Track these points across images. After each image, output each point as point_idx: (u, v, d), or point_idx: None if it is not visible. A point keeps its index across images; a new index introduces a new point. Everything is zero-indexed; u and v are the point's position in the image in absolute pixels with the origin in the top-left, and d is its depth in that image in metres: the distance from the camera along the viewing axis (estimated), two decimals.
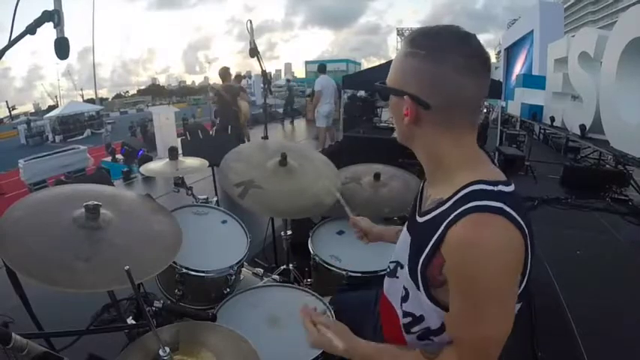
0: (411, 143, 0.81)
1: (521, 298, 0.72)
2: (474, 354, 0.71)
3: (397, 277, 0.89)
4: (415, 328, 0.84)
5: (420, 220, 0.80)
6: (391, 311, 0.93)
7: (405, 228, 0.92)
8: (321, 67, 7.26)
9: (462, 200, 0.69)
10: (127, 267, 0.77)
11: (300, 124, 13.50)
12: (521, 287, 0.70)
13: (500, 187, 0.69)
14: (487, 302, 0.66)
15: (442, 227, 0.69)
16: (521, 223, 0.66)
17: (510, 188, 0.71)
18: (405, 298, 0.85)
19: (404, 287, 0.85)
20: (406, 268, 0.81)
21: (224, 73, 5.92)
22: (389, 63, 0.82)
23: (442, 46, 0.70)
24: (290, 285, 1.49)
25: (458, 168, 0.75)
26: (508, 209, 0.65)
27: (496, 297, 0.66)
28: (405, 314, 0.86)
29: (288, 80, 12.22)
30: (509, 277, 0.66)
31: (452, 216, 0.68)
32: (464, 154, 0.75)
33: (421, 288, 0.76)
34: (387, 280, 0.99)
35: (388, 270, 0.97)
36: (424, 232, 0.74)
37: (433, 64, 0.70)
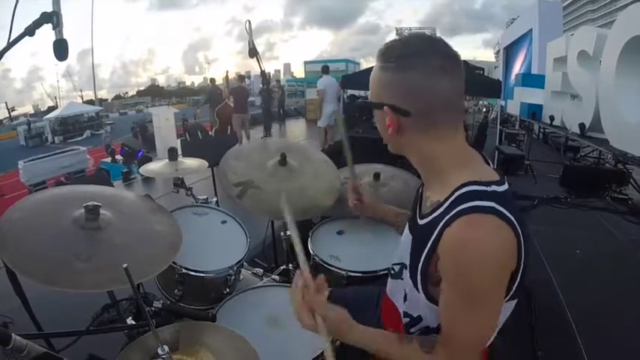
0: (401, 151, 0.83)
1: (518, 294, 0.74)
2: (460, 349, 0.73)
3: (402, 279, 0.90)
4: (414, 329, 0.85)
5: (420, 222, 0.82)
6: (394, 312, 0.94)
7: (406, 229, 0.93)
8: (324, 67, 7.21)
9: (455, 202, 0.71)
10: (125, 264, 0.77)
11: (300, 124, 13.50)
12: (516, 283, 0.71)
13: (494, 187, 0.71)
14: (476, 301, 0.68)
15: (438, 229, 0.71)
16: (514, 221, 0.67)
17: (503, 188, 0.72)
18: (405, 299, 0.87)
19: (404, 288, 0.86)
20: (408, 267, 0.82)
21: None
22: None
23: (410, 54, 0.73)
24: (290, 285, 1.49)
25: (450, 169, 0.76)
26: (500, 208, 0.67)
27: (485, 295, 0.68)
28: (405, 314, 0.87)
29: (277, 81, 12.42)
30: (499, 276, 0.68)
31: (446, 218, 0.70)
32: (453, 155, 0.77)
33: (420, 288, 0.77)
34: (390, 281, 1.00)
35: (393, 272, 0.98)
36: (424, 233, 0.76)
37: (404, 73, 0.73)
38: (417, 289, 0.78)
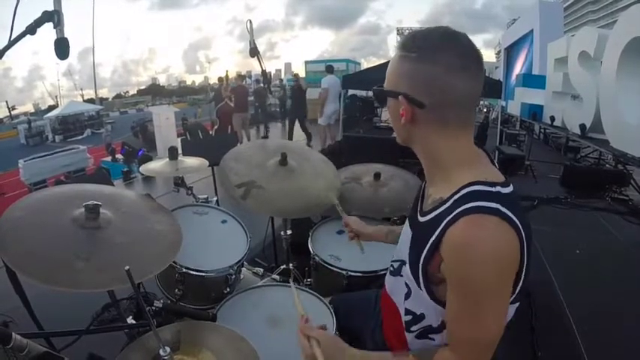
0: (410, 143, 0.83)
1: (520, 297, 0.73)
2: (467, 354, 0.72)
3: (401, 275, 0.90)
4: (415, 327, 0.84)
5: (421, 219, 0.82)
6: (393, 310, 0.94)
7: (406, 226, 0.92)
8: (329, 67, 7.31)
9: (460, 201, 0.70)
10: (127, 267, 0.78)
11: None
12: (519, 286, 0.71)
13: (499, 189, 0.70)
14: (481, 302, 0.67)
15: (440, 227, 0.70)
16: (518, 223, 0.67)
17: (508, 189, 0.72)
18: (407, 296, 0.86)
19: (406, 284, 0.85)
20: (408, 264, 0.82)
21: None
22: (389, 62, 0.83)
23: (432, 46, 0.72)
24: (290, 285, 1.49)
25: (455, 167, 0.76)
26: (504, 210, 0.66)
27: (490, 297, 0.67)
28: (407, 312, 0.87)
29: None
30: (503, 277, 0.67)
31: (450, 217, 0.69)
32: (461, 153, 0.77)
33: (422, 285, 0.77)
34: (390, 278, 1.00)
35: (392, 269, 0.98)
36: (425, 231, 0.76)
37: (425, 65, 0.72)
38: (420, 287, 0.77)
